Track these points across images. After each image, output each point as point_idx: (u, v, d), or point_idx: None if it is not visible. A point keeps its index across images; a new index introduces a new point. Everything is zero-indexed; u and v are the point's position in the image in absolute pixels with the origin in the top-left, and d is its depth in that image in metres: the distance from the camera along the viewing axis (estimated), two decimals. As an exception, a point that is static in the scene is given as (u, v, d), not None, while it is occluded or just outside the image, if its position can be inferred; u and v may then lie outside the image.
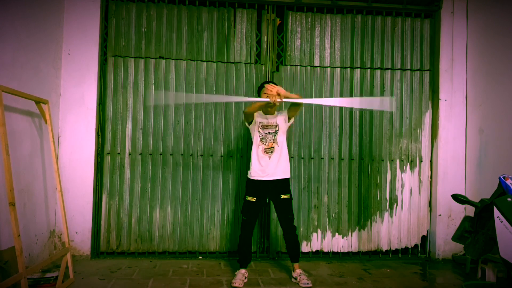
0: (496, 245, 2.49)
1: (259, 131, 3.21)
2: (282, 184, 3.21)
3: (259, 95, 3.29)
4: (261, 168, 3.18)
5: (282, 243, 3.95)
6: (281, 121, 3.23)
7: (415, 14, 4.20)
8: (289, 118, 3.27)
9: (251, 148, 3.27)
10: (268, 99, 3.05)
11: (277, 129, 3.21)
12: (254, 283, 3.15)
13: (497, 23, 3.74)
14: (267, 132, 3.20)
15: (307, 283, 3.08)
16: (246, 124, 3.31)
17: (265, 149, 3.19)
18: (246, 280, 3.15)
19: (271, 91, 3.05)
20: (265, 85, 3.19)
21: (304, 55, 4.07)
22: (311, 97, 4.04)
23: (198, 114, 3.94)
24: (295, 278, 3.18)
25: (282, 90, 3.05)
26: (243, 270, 3.20)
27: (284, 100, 3.06)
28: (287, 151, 3.26)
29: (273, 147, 3.19)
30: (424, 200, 4.15)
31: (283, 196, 3.19)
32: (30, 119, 3.14)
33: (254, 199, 3.19)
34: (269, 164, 3.17)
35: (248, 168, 3.29)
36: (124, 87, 3.87)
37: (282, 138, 3.23)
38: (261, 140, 3.21)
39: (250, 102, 3.21)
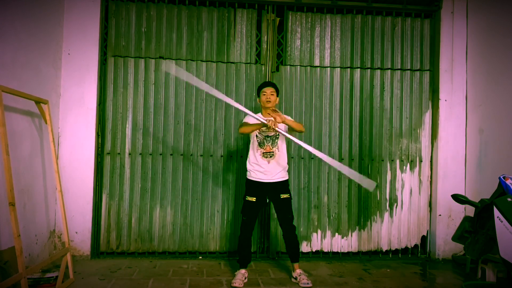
0: (496, 245, 2.49)
1: (256, 135, 3.19)
2: (281, 185, 3.20)
3: (258, 96, 3.29)
4: (260, 170, 3.17)
5: (282, 243, 3.94)
6: (281, 126, 3.16)
7: (415, 14, 4.20)
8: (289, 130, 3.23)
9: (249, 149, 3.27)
10: (265, 121, 3.01)
11: (277, 134, 3.16)
12: (254, 283, 3.15)
13: (497, 23, 3.74)
14: (266, 135, 3.17)
15: (307, 283, 3.07)
16: None
17: (263, 153, 3.16)
18: (246, 280, 3.14)
19: (273, 117, 3.01)
20: (268, 113, 3.10)
21: (304, 55, 4.07)
22: (311, 97, 4.04)
23: (198, 114, 3.94)
24: (295, 278, 3.18)
25: (280, 118, 3.00)
26: (243, 270, 3.19)
27: (279, 126, 3.04)
28: (286, 154, 3.26)
29: (273, 152, 3.17)
30: (424, 200, 4.15)
31: (283, 196, 3.19)
32: (30, 119, 3.14)
33: (254, 199, 3.19)
34: (269, 168, 3.16)
35: (246, 168, 3.29)
36: (124, 87, 3.87)
37: (282, 142, 3.21)
38: (259, 144, 3.18)
39: (245, 124, 3.16)
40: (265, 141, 3.17)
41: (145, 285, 3.04)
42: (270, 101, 3.18)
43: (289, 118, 3.19)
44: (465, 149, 4.10)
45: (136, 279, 3.20)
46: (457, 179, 4.07)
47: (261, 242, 3.96)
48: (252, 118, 3.14)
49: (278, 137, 3.18)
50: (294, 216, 3.30)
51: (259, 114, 3.28)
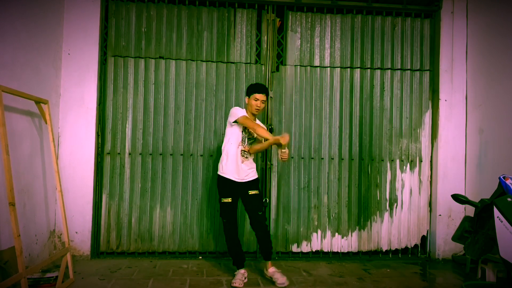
0: (496, 245, 2.50)
1: (242, 131, 3.14)
2: (252, 183, 3.17)
3: (248, 96, 3.17)
4: (235, 169, 3.12)
5: (282, 243, 3.96)
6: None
7: (415, 14, 4.20)
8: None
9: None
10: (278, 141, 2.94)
11: (255, 139, 3.20)
12: (254, 283, 3.15)
13: (497, 23, 3.74)
14: (248, 136, 3.17)
15: (284, 283, 3.04)
16: (231, 122, 3.14)
17: (242, 151, 3.14)
18: (246, 280, 3.14)
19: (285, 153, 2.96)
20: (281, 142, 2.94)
21: (304, 55, 4.07)
22: (311, 97, 4.04)
23: (198, 114, 3.94)
24: (270, 278, 3.14)
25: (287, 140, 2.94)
26: (242, 270, 3.19)
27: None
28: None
29: (248, 152, 3.18)
30: (424, 200, 4.15)
31: (251, 192, 3.14)
32: (30, 119, 3.14)
33: (230, 199, 3.15)
34: (243, 167, 3.14)
35: (218, 163, 3.24)
36: (124, 87, 3.87)
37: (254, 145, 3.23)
38: (242, 140, 3.15)
39: (252, 123, 3.03)
40: (246, 140, 3.16)
41: (145, 285, 3.04)
42: (259, 109, 3.14)
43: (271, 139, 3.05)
44: (465, 149, 4.10)
45: (136, 279, 3.20)
46: (457, 179, 4.07)
47: (261, 242, 3.96)
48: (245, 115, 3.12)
49: (254, 142, 3.21)
50: (265, 215, 3.20)
51: (245, 110, 3.20)
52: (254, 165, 3.26)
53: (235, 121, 3.10)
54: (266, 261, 3.20)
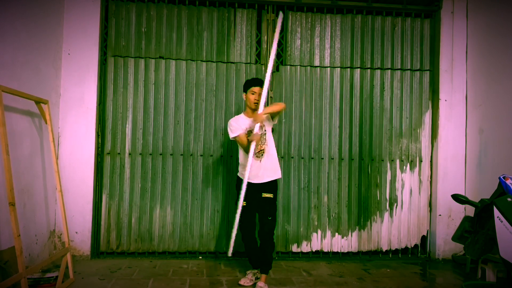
0: (496, 245, 2.50)
1: (248, 136, 3.02)
2: (269, 185, 3.06)
3: (245, 92, 3.14)
4: (251, 171, 2.98)
5: (282, 243, 3.96)
6: (265, 119, 3.04)
7: (415, 14, 4.20)
8: (273, 118, 3.11)
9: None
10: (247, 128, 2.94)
11: (264, 129, 3.04)
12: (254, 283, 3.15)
13: (497, 23, 3.75)
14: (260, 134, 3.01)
15: None
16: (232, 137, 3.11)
17: (255, 153, 2.99)
18: (256, 280, 3.11)
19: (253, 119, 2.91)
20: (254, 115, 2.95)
21: (304, 55, 4.07)
22: (311, 97, 4.04)
23: (198, 114, 3.94)
24: None
25: (260, 117, 2.90)
26: (255, 270, 3.18)
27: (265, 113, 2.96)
28: (275, 149, 3.15)
29: (263, 150, 3.04)
30: (424, 200, 4.15)
31: (265, 195, 3.02)
32: (30, 119, 3.14)
33: (244, 203, 2.99)
34: (260, 168, 3.02)
35: (237, 166, 3.20)
36: (124, 87, 3.87)
37: (270, 136, 3.09)
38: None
39: (239, 140, 3.03)
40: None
41: (145, 285, 3.04)
42: (258, 103, 3.00)
43: (266, 109, 3.01)
44: (465, 149, 4.10)
45: (136, 279, 3.20)
46: (457, 179, 4.07)
47: (261, 242, 3.96)
48: (238, 130, 3.06)
49: (265, 133, 3.07)
50: (275, 219, 3.10)
51: (241, 114, 3.17)
52: (274, 165, 3.09)
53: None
54: (261, 274, 3.08)
